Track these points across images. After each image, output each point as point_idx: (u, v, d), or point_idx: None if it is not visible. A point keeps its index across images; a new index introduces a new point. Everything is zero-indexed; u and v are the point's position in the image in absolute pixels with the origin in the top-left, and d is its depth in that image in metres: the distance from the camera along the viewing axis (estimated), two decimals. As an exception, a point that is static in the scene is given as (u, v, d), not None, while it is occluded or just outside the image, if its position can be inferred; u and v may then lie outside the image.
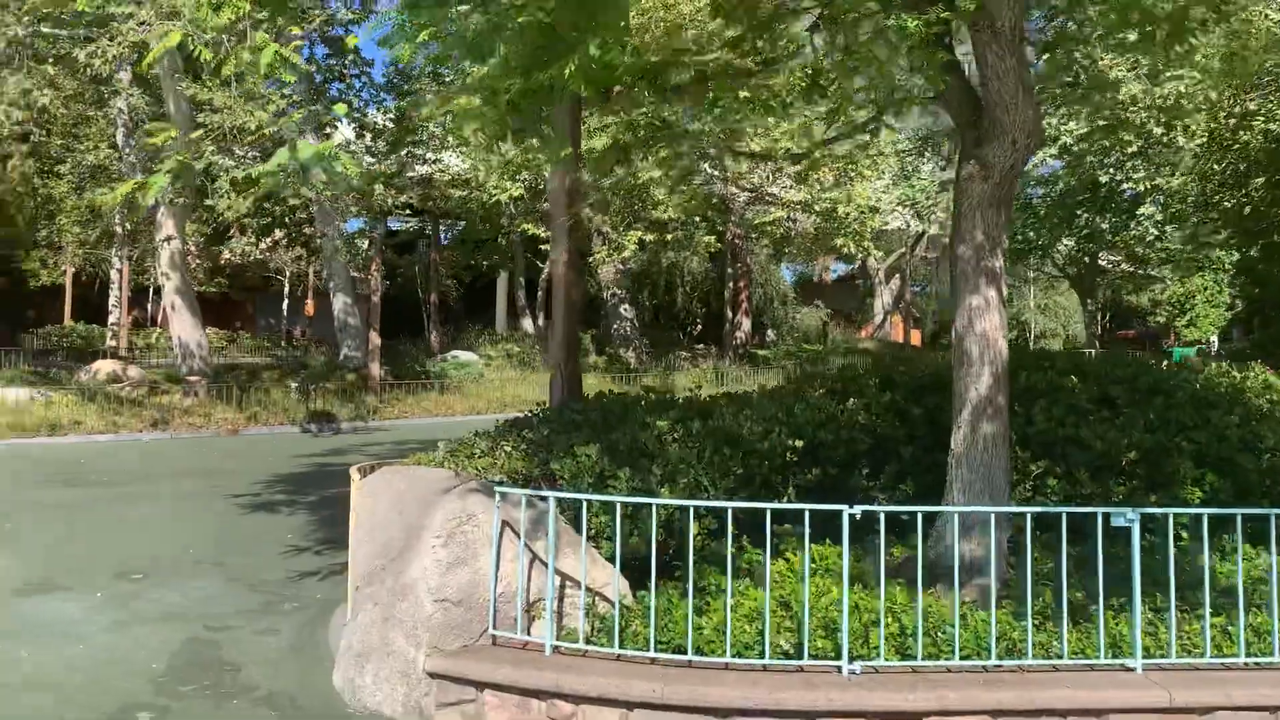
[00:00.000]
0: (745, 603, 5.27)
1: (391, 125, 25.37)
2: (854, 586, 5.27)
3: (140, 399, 17.77)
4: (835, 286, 46.99)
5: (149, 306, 44.76)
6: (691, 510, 5.36)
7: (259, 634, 6.32)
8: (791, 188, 23.51)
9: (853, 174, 22.04)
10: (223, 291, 41.39)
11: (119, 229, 21.00)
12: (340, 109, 16.40)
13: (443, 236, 34.56)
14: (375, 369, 21.53)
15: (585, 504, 5.29)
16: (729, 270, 30.75)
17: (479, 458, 6.41)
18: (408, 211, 24.78)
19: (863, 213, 22.27)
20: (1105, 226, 19.33)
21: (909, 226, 33.81)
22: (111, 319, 39.93)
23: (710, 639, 5.02)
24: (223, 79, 17.04)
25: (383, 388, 21.52)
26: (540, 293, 39.92)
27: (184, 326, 19.79)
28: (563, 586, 5.39)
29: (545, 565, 5.33)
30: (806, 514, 5.26)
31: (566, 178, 8.13)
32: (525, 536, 5.30)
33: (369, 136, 23.37)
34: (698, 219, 22.60)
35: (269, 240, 26.37)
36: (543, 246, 23.64)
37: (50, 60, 13.74)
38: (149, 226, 27.21)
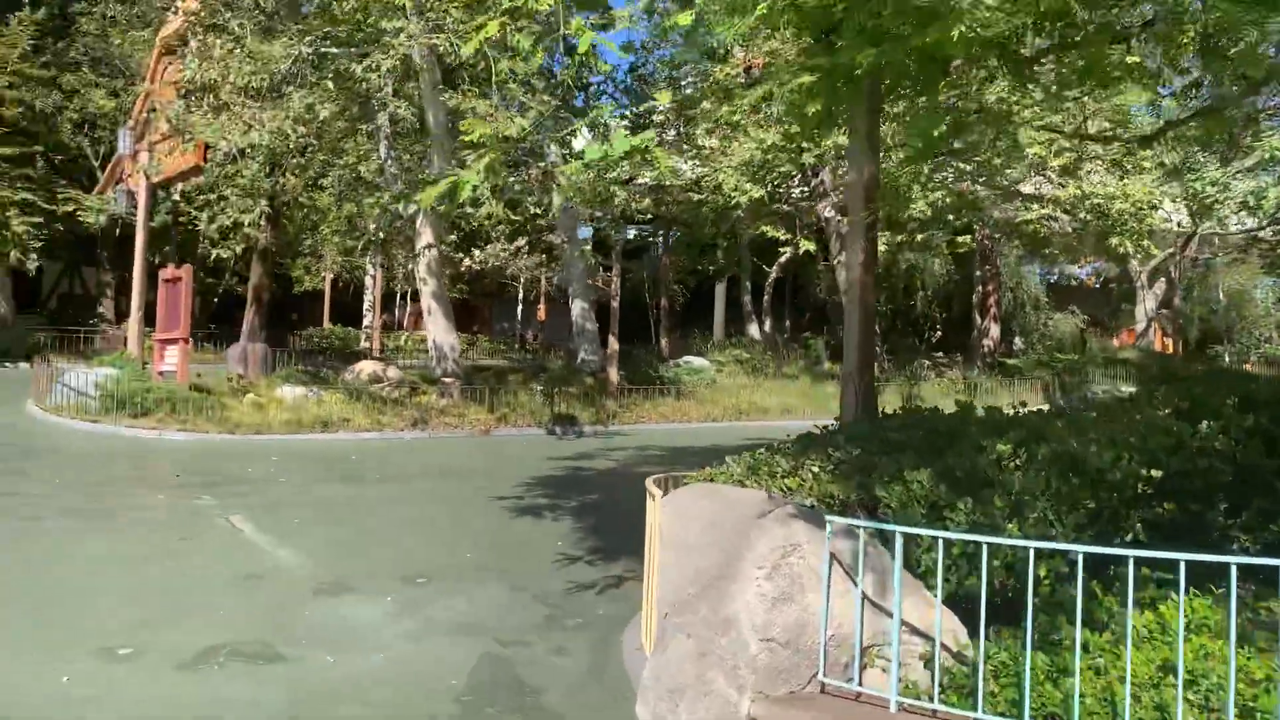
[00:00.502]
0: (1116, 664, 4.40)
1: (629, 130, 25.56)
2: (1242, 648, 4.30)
3: (401, 399, 18.56)
4: (1087, 291, 43.47)
5: (395, 311, 47.69)
6: (1032, 551, 4.53)
7: (551, 653, 6.03)
8: (1055, 184, 21.61)
9: (1128, 167, 19.97)
10: (463, 297, 43.57)
11: (377, 236, 22.23)
12: (602, 111, 16.26)
13: (667, 242, 34.66)
14: (613, 374, 21.60)
15: (942, 542, 4.58)
16: (977, 273, 28.85)
17: (782, 477, 5.84)
18: (639, 217, 24.83)
19: (1140, 209, 20.11)
20: None
21: (1178, 225, 30.61)
22: (365, 322, 42.81)
23: (1094, 711, 4.19)
24: (482, 89, 17.69)
25: (619, 392, 21.54)
26: (766, 297, 39.31)
27: (439, 330, 20.59)
28: (896, 632, 4.71)
29: (876, 606, 4.69)
30: (1182, 565, 4.32)
31: (866, 170, 7.45)
32: (854, 571, 4.68)
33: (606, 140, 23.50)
34: (947, 219, 21.22)
35: (513, 247, 27.15)
36: (781, 249, 23.01)
37: (330, 75, 14.53)
38: (398, 235, 28.90)
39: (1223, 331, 49.91)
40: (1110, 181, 19.91)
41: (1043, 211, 21.42)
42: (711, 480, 6.16)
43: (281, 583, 7.24)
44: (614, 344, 21.75)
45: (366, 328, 41.61)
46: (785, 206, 23.66)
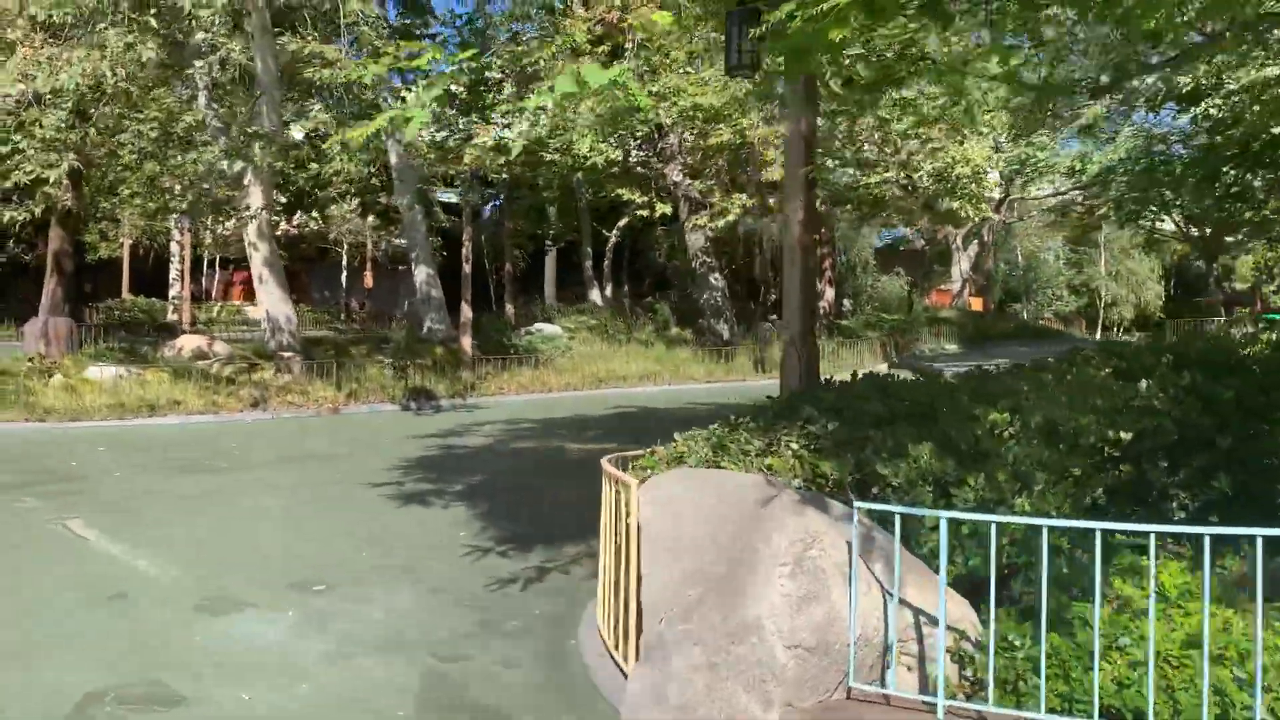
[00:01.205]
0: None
1: (465, 87, 24.34)
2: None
3: (233, 377, 16.88)
4: (908, 254, 45.39)
5: (202, 280, 44.18)
6: (1045, 530, 4.23)
7: (499, 665, 5.29)
8: (893, 147, 22.10)
9: (965, 133, 20.62)
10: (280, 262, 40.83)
11: (195, 197, 19.92)
12: (432, 54, 14.90)
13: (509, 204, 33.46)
14: (467, 344, 20.54)
15: (995, 527, 4.18)
16: (814, 236, 29.40)
17: (758, 455, 5.31)
18: (494, 177, 23.65)
19: (977, 174, 20.86)
20: (1258, 184, 17.83)
21: (992, 188, 32.27)
22: (172, 293, 39.38)
23: (1134, 700, 3.92)
24: (320, 32, 16.10)
25: (474, 363, 20.52)
26: (606, 262, 38.82)
27: (273, 300, 18.88)
28: (917, 625, 4.31)
29: (894, 598, 4.27)
30: (1206, 540, 4.11)
31: (804, 121, 6.97)
32: (866, 559, 4.23)
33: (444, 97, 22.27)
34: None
35: (348, 209, 25.32)
36: (637, 212, 22.38)
37: (153, 12, 12.69)
38: (207, 197, 26.39)
39: (1021, 291, 53.71)
40: (951, 146, 20.52)
41: (885, 175, 21.89)
42: (682, 460, 5.57)
43: (154, 601, 6.12)
44: (467, 312, 20.64)
45: (174, 298, 38.27)
46: (639, 169, 23.15)
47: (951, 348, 33.71)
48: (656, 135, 24.49)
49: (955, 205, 22.18)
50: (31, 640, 5.34)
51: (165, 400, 15.01)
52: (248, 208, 18.33)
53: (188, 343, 19.45)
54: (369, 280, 43.82)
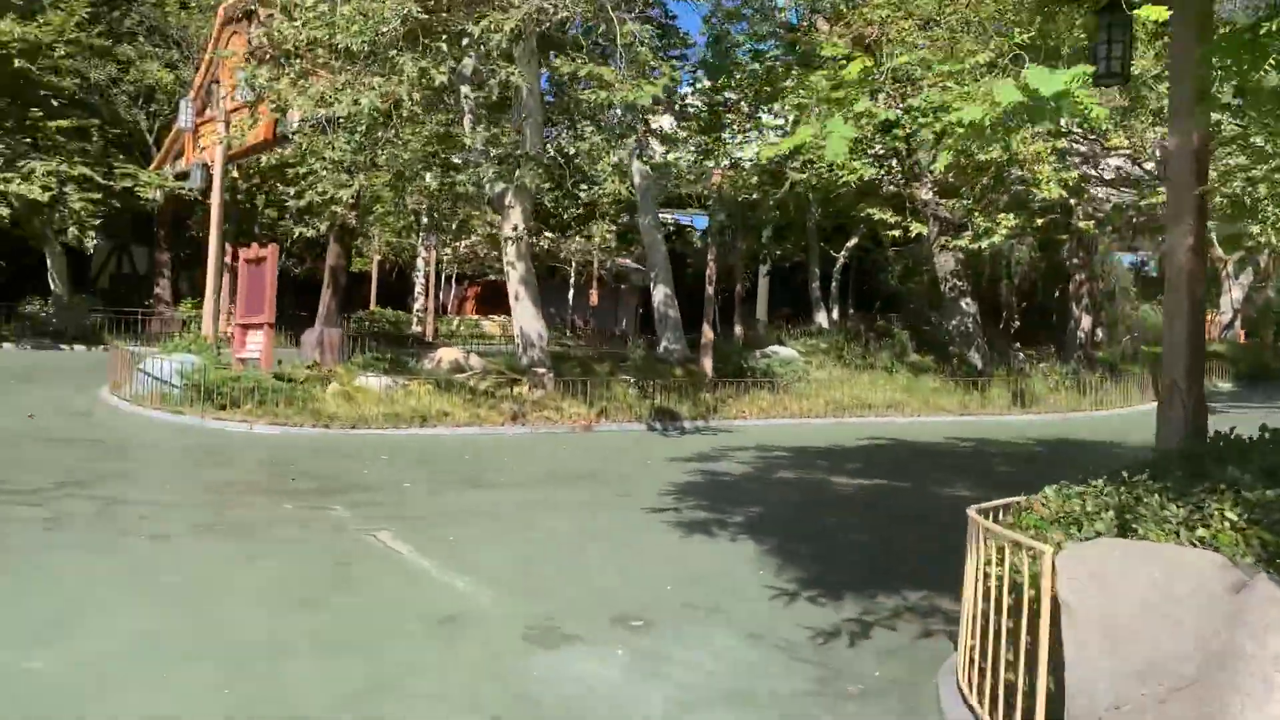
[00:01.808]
0: None
1: (706, 109, 24.30)
2: None
3: (491, 391, 17.36)
4: (1160, 280, 41.63)
5: (439, 294, 46.56)
6: None
7: (863, 738, 4.78)
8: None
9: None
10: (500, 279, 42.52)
11: (451, 215, 20.88)
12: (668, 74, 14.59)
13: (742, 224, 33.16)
14: (708, 365, 20.31)
15: None
16: (1074, 260, 27.30)
17: (1179, 525, 4.53)
18: (745, 197, 23.41)
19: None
20: None
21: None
22: (416, 306, 41.76)
23: None
24: (588, 56, 16.33)
25: (713, 385, 20.24)
26: (834, 284, 37.85)
27: (526, 317, 19.35)
28: None
29: None
30: None
31: (1195, 133, 6.13)
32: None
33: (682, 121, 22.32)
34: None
35: (607, 230, 25.68)
36: (890, 233, 21.45)
37: (444, 38, 13.24)
38: (454, 216, 27.67)
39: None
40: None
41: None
42: (1076, 522, 4.86)
43: (484, 628, 6.02)
44: (709, 333, 20.44)
45: (419, 311, 40.60)
46: (892, 187, 22.23)
47: (1225, 386, 30.47)
48: (905, 153, 23.49)
49: (1255, 230, 19.81)
50: (386, 669, 5.30)
51: (434, 411, 15.58)
52: (515, 228, 18.87)
53: (445, 355, 20.26)
54: (594, 298, 44.85)
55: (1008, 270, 31.14)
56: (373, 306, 41.12)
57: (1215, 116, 7.39)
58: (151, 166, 25.45)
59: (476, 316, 42.92)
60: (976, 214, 20.93)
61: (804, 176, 20.05)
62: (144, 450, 12.23)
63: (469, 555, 7.68)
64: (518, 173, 17.20)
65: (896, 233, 21.06)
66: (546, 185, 16.51)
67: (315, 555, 7.45)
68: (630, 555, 8.07)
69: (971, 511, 5.27)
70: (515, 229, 18.49)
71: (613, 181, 14.21)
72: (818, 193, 21.39)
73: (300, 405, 14.89)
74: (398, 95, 12.59)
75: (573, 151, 15.29)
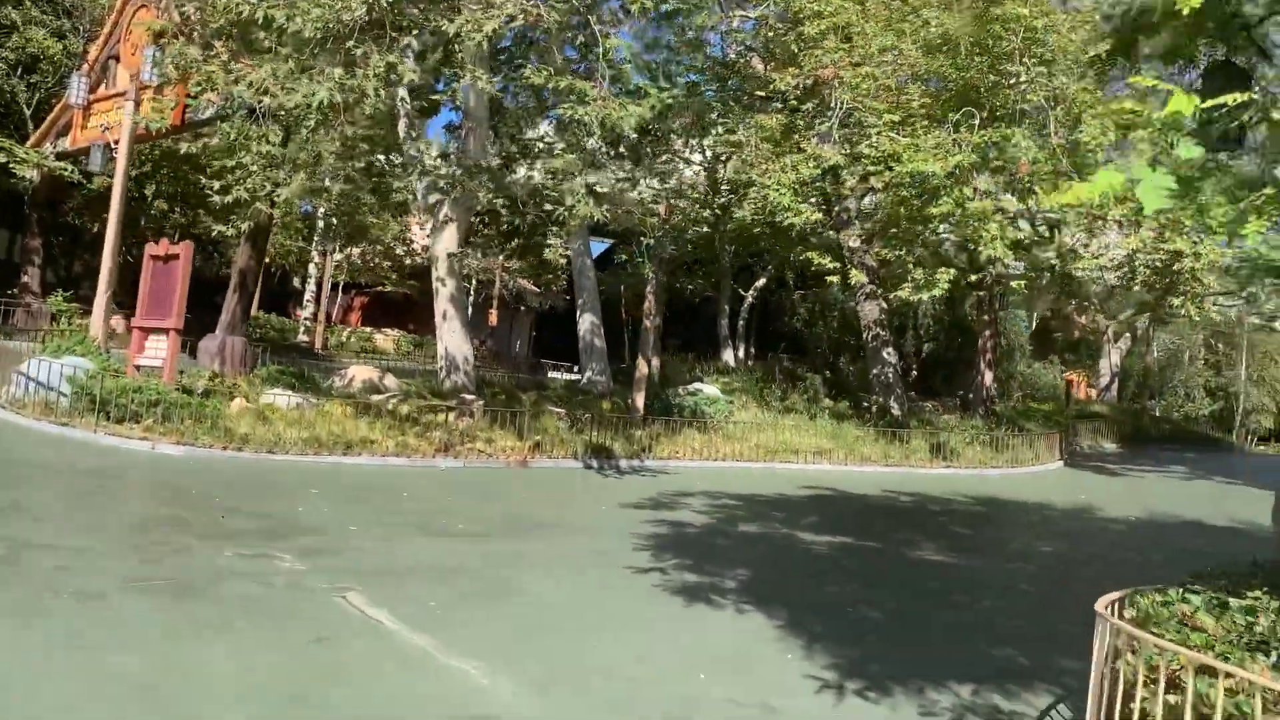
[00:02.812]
0: None
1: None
2: None
3: (415, 417, 16.05)
4: (1051, 340, 43.36)
5: (323, 302, 44.28)
6: None
7: None
8: (1108, 234, 20.63)
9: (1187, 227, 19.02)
10: (403, 292, 40.66)
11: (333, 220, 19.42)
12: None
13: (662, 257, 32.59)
14: (640, 401, 19.49)
15: None
16: (983, 317, 27.83)
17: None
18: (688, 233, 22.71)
19: (1204, 269, 19.21)
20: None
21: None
22: (305, 314, 39.48)
23: None
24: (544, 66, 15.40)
25: (642, 422, 19.45)
26: (741, 323, 37.67)
27: (454, 339, 18.15)
28: None
29: None
30: None
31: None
32: None
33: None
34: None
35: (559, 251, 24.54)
36: (827, 278, 21.15)
37: (414, 32, 12.09)
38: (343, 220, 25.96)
39: (1154, 387, 50.79)
40: (1178, 238, 18.96)
41: (1095, 262, 20.38)
42: (1245, 637, 4.26)
43: (524, 737, 5.00)
44: (643, 367, 19.64)
45: (306, 320, 38.41)
46: (830, 233, 22.06)
47: (1111, 447, 31.64)
48: (835, 200, 23.41)
49: (1177, 302, 20.50)
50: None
51: (358, 438, 14.21)
52: (444, 249, 17.60)
53: (358, 374, 18.78)
54: (494, 318, 43.48)
55: (914, 322, 31.60)
56: (255, 312, 38.64)
57: None
58: (29, 143, 22.93)
59: (369, 329, 40.81)
60: (910, 264, 20.95)
61: (747, 215, 19.60)
62: (38, 473, 10.50)
63: (463, 629, 6.59)
64: (460, 184, 16.09)
65: (835, 279, 20.83)
66: (500, 202, 15.42)
67: (284, 624, 6.22)
68: (641, 633, 7.12)
69: (1125, 624, 4.61)
70: (445, 245, 17.31)
71: (585, 203, 13.27)
72: (759, 235, 20.97)
73: (209, 424, 13.29)
74: (362, 89, 11.34)
75: (527, 174, 14.30)
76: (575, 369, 30.31)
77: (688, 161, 25.62)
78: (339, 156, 15.45)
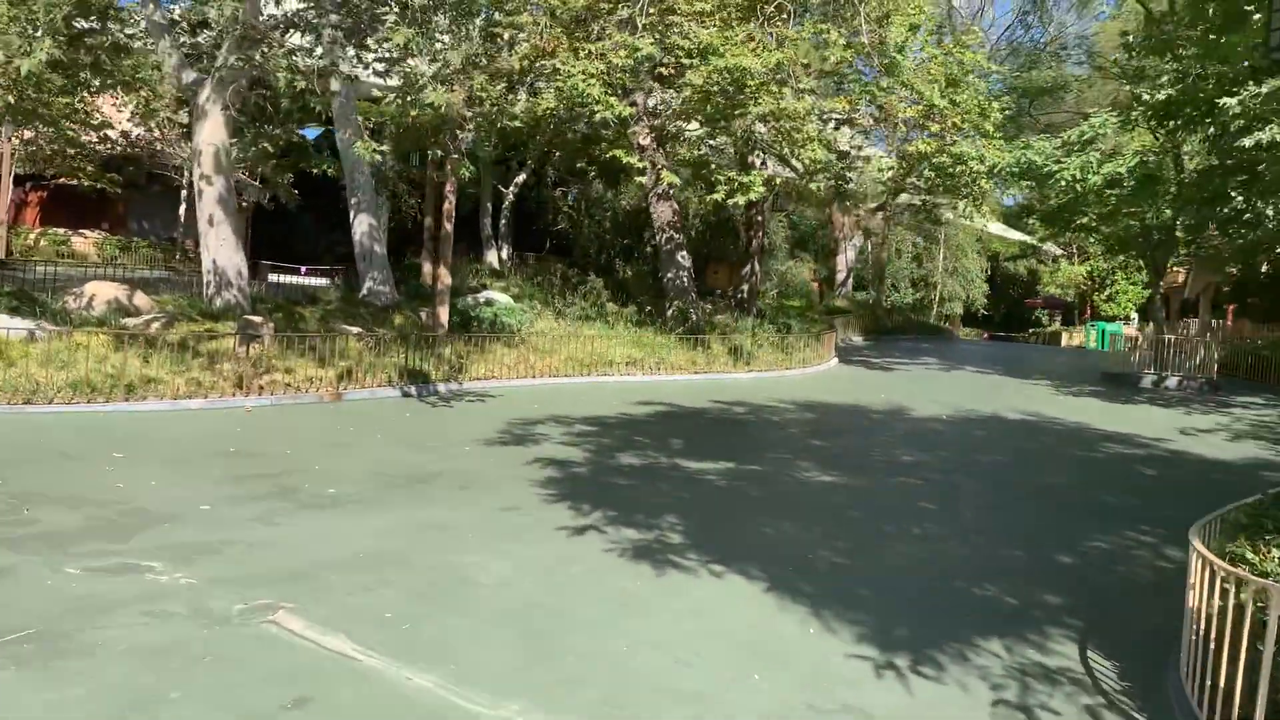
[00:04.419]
0: None
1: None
2: None
3: (191, 345, 13.36)
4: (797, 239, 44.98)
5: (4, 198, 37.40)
6: None
7: None
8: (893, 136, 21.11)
9: (981, 131, 19.84)
10: (93, 185, 34.82)
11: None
12: None
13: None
14: (444, 315, 17.59)
15: None
16: (758, 218, 28.01)
17: None
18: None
19: (982, 173, 20.14)
20: (1270, 213, 18.05)
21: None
22: (-15, 214, 33.07)
23: None
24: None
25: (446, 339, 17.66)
26: (503, 222, 35.76)
27: (225, 248, 15.31)
28: None
29: None
30: None
31: None
32: None
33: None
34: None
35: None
36: (635, 176, 19.96)
37: None
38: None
39: (869, 280, 54.90)
40: (962, 142, 19.68)
41: (881, 164, 20.77)
42: None
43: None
44: (445, 277, 17.67)
45: (-21, 220, 32.08)
46: (634, 130, 20.80)
47: (858, 340, 33.56)
48: (624, 94, 22.18)
49: (960, 203, 21.43)
50: None
51: (138, 377, 11.52)
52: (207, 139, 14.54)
53: (99, 291, 15.40)
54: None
55: (686, 223, 31.35)
56: (-97, 209, 31.62)
57: None
58: None
59: (63, 230, 34.53)
60: (714, 166, 20.35)
61: (553, 105, 17.92)
62: None
63: (457, 650, 5.15)
64: (222, 59, 13.25)
65: (644, 179, 19.81)
66: (286, 79, 12.73)
67: (231, 685, 4.49)
68: (645, 619, 5.99)
69: (1220, 562, 4.13)
70: (207, 137, 14.33)
71: (435, 90, 11.04)
72: (560, 129, 19.39)
73: (-69, 369, 10.16)
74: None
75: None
76: (303, 271, 27.38)
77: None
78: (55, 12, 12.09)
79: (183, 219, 38.19)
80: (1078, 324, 52.74)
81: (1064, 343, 49.53)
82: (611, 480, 9.95)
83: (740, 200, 18.14)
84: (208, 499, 7.67)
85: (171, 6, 14.80)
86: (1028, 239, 60.66)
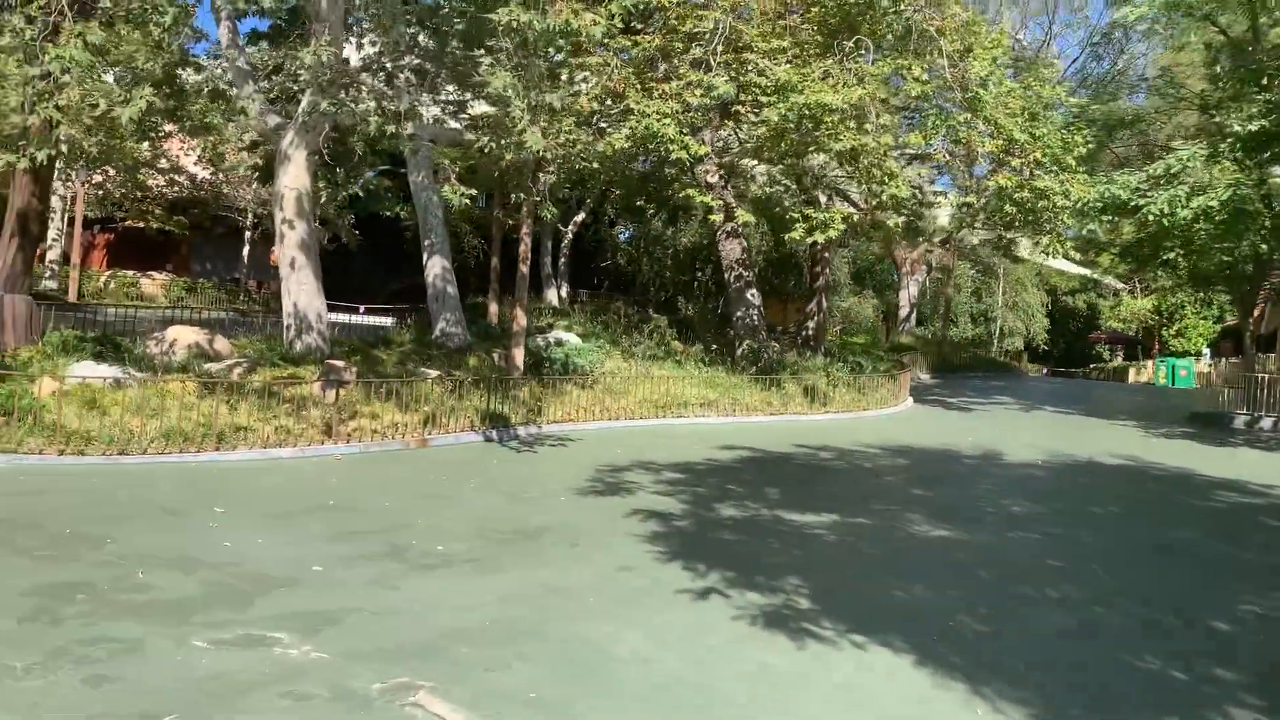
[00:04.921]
0: None
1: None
2: None
3: (275, 391, 13.22)
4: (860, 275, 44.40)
5: (77, 241, 38.16)
6: None
7: None
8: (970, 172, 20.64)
9: (1063, 166, 19.28)
10: (160, 227, 35.26)
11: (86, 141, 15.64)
12: None
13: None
14: (519, 357, 17.37)
15: None
16: (824, 254, 27.57)
17: None
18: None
19: (1065, 207, 19.55)
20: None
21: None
22: (51, 255, 33.78)
23: None
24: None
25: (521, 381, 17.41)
26: (562, 260, 35.66)
27: (305, 291, 15.25)
28: None
29: None
30: None
31: None
32: None
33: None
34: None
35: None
36: (710, 216, 19.53)
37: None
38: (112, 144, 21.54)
39: (928, 315, 54.09)
40: (1046, 178, 19.13)
41: (967, 200, 20.31)
42: None
43: None
44: (522, 319, 17.47)
45: (52, 263, 32.77)
46: (706, 170, 20.58)
47: (926, 378, 32.85)
48: (691, 131, 21.98)
49: (1044, 241, 20.86)
50: None
51: (228, 425, 11.36)
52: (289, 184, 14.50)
53: (179, 336, 15.39)
54: (276, 257, 38.73)
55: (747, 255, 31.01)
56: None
57: None
58: None
59: (130, 273, 35.06)
60: (789, 204, 20.01)
61: (625, 145, 17.75)
62: None
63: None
64: (308, 103, 13.20)
65: (718, 217, 19.51)
66: (377, 122, 12.64)
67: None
68: (790, 697, 5.54)
69: None
70: (291, 181, 14.30)
71: (533, 136, 10.86)
72: (631, 168, 19.21)
73: (28, 419, 10.05)
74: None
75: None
76: (361, 311, 27.46)
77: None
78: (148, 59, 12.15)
79: (245, 260, 38.67)
80: (1145, 359, 51.37)
81: (1131, 379, 48.22)
82: (718, 535, 9.53)
83: (820, 238, 17.76)
84: (319, 559, 7.38)
85: (253, 50, 14.85)
86: (1088, 273, 59.62)
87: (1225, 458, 17.01)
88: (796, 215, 18.69)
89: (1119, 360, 56.35)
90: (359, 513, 9.15)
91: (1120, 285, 61.06)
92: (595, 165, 17.27)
